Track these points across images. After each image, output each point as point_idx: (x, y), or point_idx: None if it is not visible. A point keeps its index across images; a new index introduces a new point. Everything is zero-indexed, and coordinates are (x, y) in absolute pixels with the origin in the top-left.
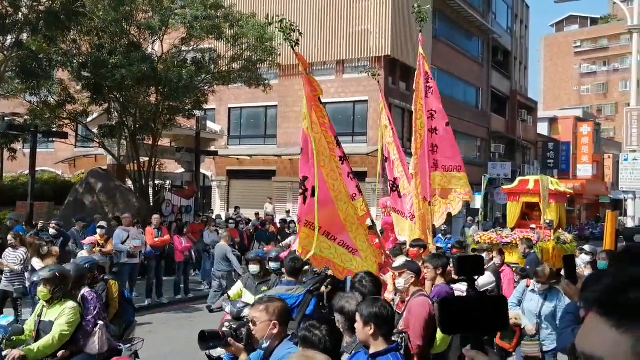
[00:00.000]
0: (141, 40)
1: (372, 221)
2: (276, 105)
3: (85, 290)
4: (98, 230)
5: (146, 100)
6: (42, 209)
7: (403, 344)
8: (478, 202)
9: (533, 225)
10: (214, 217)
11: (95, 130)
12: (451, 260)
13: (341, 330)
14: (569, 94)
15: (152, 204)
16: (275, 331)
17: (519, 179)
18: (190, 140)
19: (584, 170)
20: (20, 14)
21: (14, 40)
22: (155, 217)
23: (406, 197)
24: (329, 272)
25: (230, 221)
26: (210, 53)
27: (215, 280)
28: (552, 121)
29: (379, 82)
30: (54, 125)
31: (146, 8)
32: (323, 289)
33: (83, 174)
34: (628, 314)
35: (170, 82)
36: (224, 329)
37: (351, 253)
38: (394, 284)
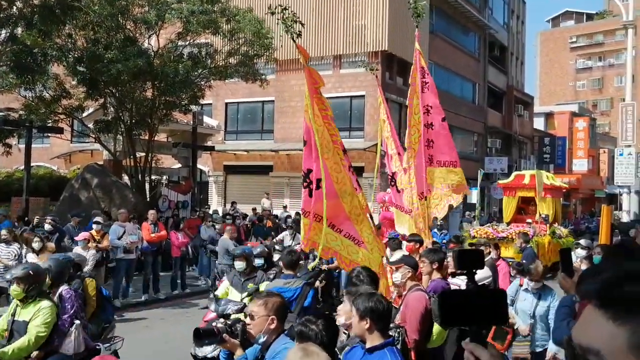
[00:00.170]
0: (137, 34)
1: (371, 216)
2: (273, 100)
3: (63, 288)
4: (94, 226)
5: (142, 95)
6: (37, 204)
7: (400, 339)
8: (475, 196)
9: (529, 220)
10: (210, 212)
11: (91, 125)
12: (449, 254)
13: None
14: (564, 89)
15: (148, 200)
16: (272, 326)
17: (514, 173)
18: (187, 136)
19: (580, 165)
20: (14, 7)
21: (8, 34)
22: (152, 213)
23: (404, 191)
24: (323, 267)
25: (228, 216)
26: (206, 48)
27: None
28: (548, 116)
29: (377, 76)
30: (49, 120)
31: (142, 2)
32: (317, 283)
33: (79, 169)
34: (625, 307)
35: (166, 77)
36: (219, 325)
37: (357, 245)
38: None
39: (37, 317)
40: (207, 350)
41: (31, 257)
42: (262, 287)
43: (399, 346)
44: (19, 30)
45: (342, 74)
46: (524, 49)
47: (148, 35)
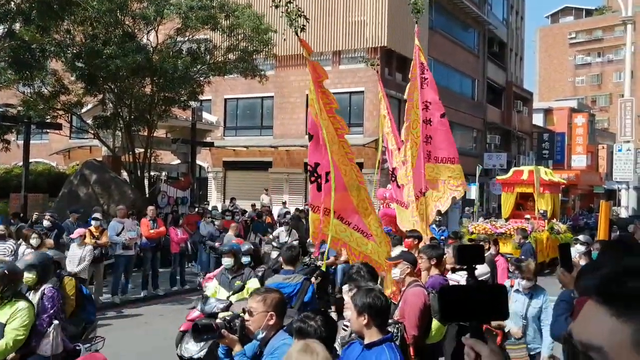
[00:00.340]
0: (136, 30)
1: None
2: (272, 96)
3: (46, 287)
4: (93, 222)
5: (141, 91)
6: (36, 200)
7: (399, 334)
8: (473, 192)
9: (527, 216)
10: (210, 208)
11: (89, 121)
12: (448, 249)
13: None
14: (563, 85)
15: (147, 196)
16: (271, 322)
17: (513, 169)
18: (186, 131)
19: (579, 160)
20: (12, 3)
21: (6, 30)
22: (150, 209)
23: (404, 187)
24: (319, 264)
25: (227, 213)
26: (205, 43)
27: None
28: (547, 112)
29: (377, 71)
30: (48, 116)
31: None
32: (313, 280)
33: (78, 165)
34: (628, 303)
35: (165, 73)
36: (218, 320)
37: (366, 237)
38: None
39: (15, 319)
40: (193, 350)
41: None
42: (249, 284)
43: (397, 342)
44: (17, 25)
45: (341, 69)
46: (523, 44)
47: (147, 31)
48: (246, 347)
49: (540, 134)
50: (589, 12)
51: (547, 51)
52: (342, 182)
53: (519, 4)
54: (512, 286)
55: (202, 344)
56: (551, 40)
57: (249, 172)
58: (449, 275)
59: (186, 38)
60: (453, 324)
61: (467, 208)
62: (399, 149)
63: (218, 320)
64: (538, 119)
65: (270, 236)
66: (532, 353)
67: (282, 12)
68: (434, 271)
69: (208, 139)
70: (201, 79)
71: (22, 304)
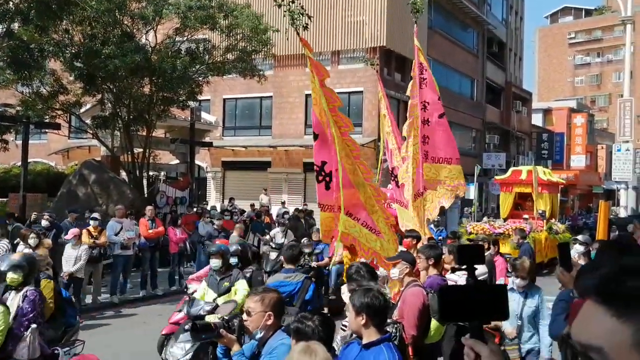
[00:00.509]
0: (134, 30)
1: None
2: (271, 96)
3: (28, 289)
4: (91, 222)
5: (140, 91)
6: (34, 200)
7: (397, 334)
8: (472, 192)
9: (526, 216)
10: (208, 208)
11: (88, 121)
12: (447, 250)
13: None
14: (563, 85)
15: (146, 196)
16: (269, 322)
17: (511, 169)
18: (185, 131)
19: (578, 160)
20: (10, 3)
21: (4, 29)
22: (149, 209)
23: (404, 186)
24: (313, 264)
25: (226, 212)
26: (204, 43)
27: None
28: (546, 112)
29: (377, 71)
30: (47, 116)
31: None
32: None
33: (76, 165)
34: (628, 303)
35: (164, 73)
36: (216, 320)
37: (375, 234)
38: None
39: None
40: (179, 354)
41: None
42: (237, 285)
43: (396, 342)
44: (16, 25)
45: (340, 69)
46: (522, 45)
47: (145, 31)
48: (244, 347)
49: (540, 134)
50: (588, 12)
51: (546, 51)
52: (349, 179)
53: (518, 4)
54: (506, 285)
55: (187, 347)
56: (550, 41)
57: (247, 172)
58: (448, 275)
59: (185, 38)
60: (451, 324)
61: (465, 208)
62: (399, 148)
63: (217, 320)
64: (537, 119)
65: (267, 237)
66: (527, 349)
67: (284, 11)
68: (433, 271)
69: (207, 139)
70: (200, 79)
71: None
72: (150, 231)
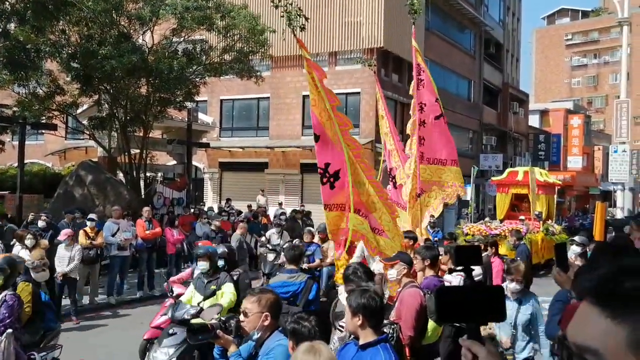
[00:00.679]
0: (131, 30)
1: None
2: (268, 97)
3: (7, 293)
4: (88, 223)
5: (137, 92)
6: (31, 201)
7: (394, 335)
8: (469, 194)
9: (522, 217)
10: (205, 209)
11: (85, 122)
12: (443, 250)
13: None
14: (559, 86)
15: (143, 197)
16: (266, 323)
17: (508, 170)
18: (182, 132)
19: (574, 162)
20: (6, 3)
21: (0, 30)
22: (146, 210)
23: (402, 187)
24: (304, 266)
25: (223, 213)
26: (201, 44)
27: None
28: (543, 113)
29: (375, 72)
30: (43, 117)
31: None
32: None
33: (73, 166)
34: (624, 304)
35: (161, 74)
36: (213, 321)
37: (378, 234)
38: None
39: None
40: (162, 359)
41: (23, 254)
42: (224, 288)
43: (392, 343)
44: (12, 26)
45: (337, 70)
46: (519, 46)
47: (142, 32)
48: (241, 348)
49: (536, 135)
50: (585, 14)
51: (543, 52)
52: (351, 178)
53: (515, 5)
54: (502, 286)
55: (171, 352)
56: (547, 42)
57: (245, 173)
58: (445, 276)
59: (182, 39)
60: (448, 325)
61: (462, 210)
62: (397, 149)
63: (213, 321)
64: (534, 121)
65: (263, 238)
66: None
67: (282, 12)
68: (429, 272)
69: (204, 140)
70: (197, 79)
71: None
72: (148, 232)
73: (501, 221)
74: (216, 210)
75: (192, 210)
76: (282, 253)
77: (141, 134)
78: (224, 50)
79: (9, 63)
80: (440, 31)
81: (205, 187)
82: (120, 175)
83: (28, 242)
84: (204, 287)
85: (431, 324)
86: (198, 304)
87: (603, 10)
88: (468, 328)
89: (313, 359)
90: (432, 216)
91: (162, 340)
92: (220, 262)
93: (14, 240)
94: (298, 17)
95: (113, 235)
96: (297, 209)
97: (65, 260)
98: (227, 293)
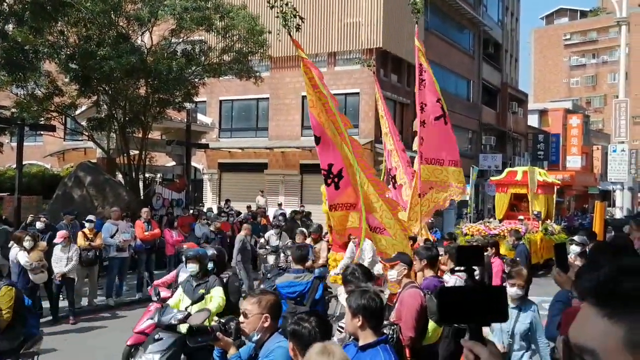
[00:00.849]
0: (130, 31)
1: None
2: (267, 98)
3: None
4: (87, 224)
5: (136, 93)
6: (30, 203)
7: (394, 336)
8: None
9: (521, 217)
10: (205, 210)
11: (84, 123)
12: (443, 251)
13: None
14: (558, 86)
15: (142, 198)
16: (266, 324)
17: (507, 170)
18: (181, 133)
19: (573, 161)
20: (4, 4)
21: None
22: (145, 211)
23: (401, 187)
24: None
25: (222, 214)
26: (200, 45)
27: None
28: (542, 113)
29: (374, 72)
30: (42, 118)
31: None
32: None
33: (72, 167)
34: (623, 303)
35: (160, 74)
36: (213, 324)
37: (379, 233)
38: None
39: None
40: None
41: (22, 255)
42: (213, 292)
43: (393, 343)
44: (10, 27)
45: (336, 71)
46: (518, 46)
47: (141, 32)
48: (241, 350)
49: (535, 135)
50: (583, 14)
51: (541, 52)
52: (349, 179)
53: (514, 5)
54: (505, 286)
55: (157, 358)
56: (546, 42)
57: (244, 174)
58: (444, 276)
59: (181, 39)
60: (449, 326)
61: (462, 209)
62: (397, 149)
63: (213, 324)
64: (533, 120)
65: (262, 240)
66: None
67: (277, 13)
68: (429, 273)
69: (203, 141)
70: (196, 80)
71: None
72: (146, 233)
73: (500, 221)
74: (215, 211)
75: (191, 211)
76: (282, 254)
77: (140, 135)
78: (223, 50)
79: (7, 64)
80: (439, 31)
81: (205, 188)
82: (119, 177)
83: (26, 243)
84: (193, 290)
85: (431, 324)
86: (186, 308)
87: (601, 10)
88: (470, 329)
89: (327, 359)
90: (432, 217)
91: (147, 346)
92: (210, 265)
93: (12, 242)
94: (293, 17)
95: (112, 237)
96: (297, 209)
97: (63, 261)
98: (215, 297)
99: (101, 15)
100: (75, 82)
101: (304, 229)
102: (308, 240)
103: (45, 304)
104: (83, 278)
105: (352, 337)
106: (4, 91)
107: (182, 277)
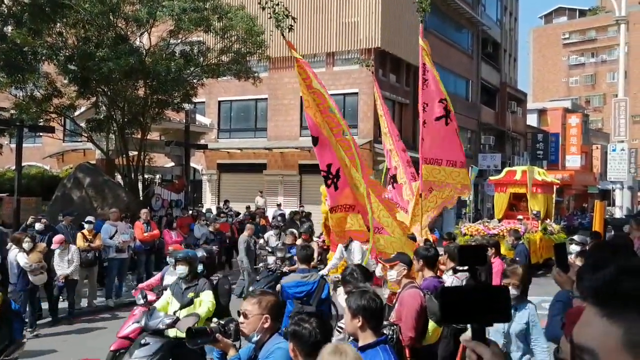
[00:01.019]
0: (128, 32)
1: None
2: (266, 98)
3: None
4: (86, 226)
5: (134, 94)
6: (29, 204)
7: (394, 336)
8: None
9: (520, 216)
10: (204, 210)
11: (83, 124)
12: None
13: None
14: (557, 85)
15: (141, 199)
16: (266, 325)
17: (506, 169)
18: (180, 134)
19: (573, 160)
20: (3, 5)
21: None
22: (144, 212)
23: (402, 187)
24: (285, 269)
25: (222, 215)
26: (198, 45)
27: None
28: (541, 112)
29: (372, 72)
30: (41, 120)
31: (133, 0)
32: (278, 287)
33: (71, 168)
34: (623, 303)
35: (158, 75)
36: (212, 325)
37: (377, 232)
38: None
39: None
40: None
41: (21, 257)
42: (202, 296)
43: (392, 344)
44: (9, 28)
45: (335, 71)
46: (517, 45)
47: (139, 33)
48: (241, 352)
49: (535, 134)
50: (582, 13)
51: (540, 52)
52: (346, 179)
53: (512, 4)
54: (507, 286)
55: None
56: (545, 41)
57: (243, 175)
58: (444, 276)
59: (179, 40)
60: (448, 326)
61: (461, 209)
62: (397, 149)
63: (212, 325)
64: (532, 120)
65: (261, 241)
66: None
67: (269, 14)
68: (429, 273)
69: (202, 142)
70: (194, 81)
71: None
72: (146, 234)
73: (499, 221)
74: (214, 212)
75: (190, 212)
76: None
77: (139, 136)
78: (221, 51)
79: (6, 66)
80: (437, 31)
81: (204, 188)
82: (119, 178)
83: (25, 245)
84: (182, 293)
85: (431, 324)
86: (174, 313)
87: (600, 8)
88: (472, 329)
89: (340, 359)
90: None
91: (133, 351)
92: (199, 267)
93: (10, 243)
94: (285, 17)
95: (111, 238)
96: (297, 210)
97: (64, 264)
98: (205, 302)
99: (100, 16)
100: (74, 84)
101: (294, 230)
102: (299, 242)
103: (44, 305)
104: (82, 279)
105: (351, 338)
106: (3, 93)
107: (168, 279)
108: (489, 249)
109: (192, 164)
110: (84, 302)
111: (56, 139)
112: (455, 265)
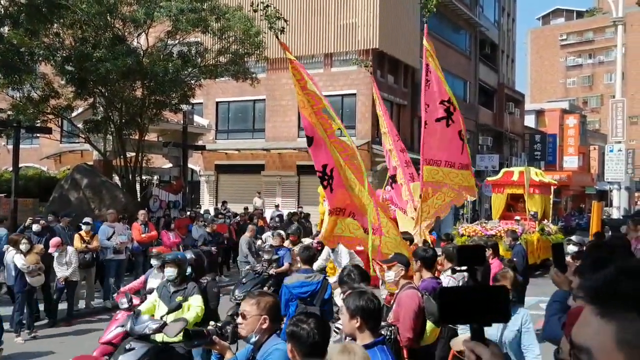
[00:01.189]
0: (126, 33)
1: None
2: (264, 99)
3: None
4: (83, 227)
5: (132, 95)
6: (26, 205)
7: (392, 337)
8: None
9: (517, 217)
10: (202, 212)
11: (80, 125)
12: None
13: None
14: (555, 86)
15: (139, 200)
16: (265, 326)
17: (503, 170)
18: (178, 135)
19: (570, 161)
20: (0, 6)
21: None
22: (142, 213)
23: (401, 187)
24: (272, 272)
25: (219, 216)
26: (196, 46)
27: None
28: (539, 113)
29: (371, 73)
30: (38, 121)
31: (130, 0)
32: (265, 289)
33: (68, 169)
34: (620, 303)
35: (156, 76)
36: (209, 327)
37: (373, 233)
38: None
39: None
40: None
41: (18, 259)
42: (191, 301)
43: (390, 345)
44: (6, 29)
45: (333, 72)
46: (514, 46)
47: (137, 34)
48: (238, 354)
49: (532, 135)
50: (579, 14)
51: (538, 53)
52: (341, 180)
53: (510, 5)
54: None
55: None
56: (542, 42)
57: (241, 176)
58: (441, 277)
59: (177, 41)
60: (446, 326)
61: (459, 210)
62: (396, 149)
63: (209, 327)
64: (530, 121)
65: (259, 242)
66: None
67: (261, 16)
68: (427, 274)
69: (200, 142)
70: (192, 82)
71: None
72: (143, 235)
73: (497, 221)
74: (212, 213)
75: (188, 213)
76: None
77: (137, 137)
78: (219, 52)
79: (3, 66)
80: (435, 32)
81: (202, 189)
82: (116, 179)
83: (23, 246)
84: (170, 297)
85: (429, 325)
86: (162, 317)
87: (597, 10)
88: (472, 329)
89: (348, 358)
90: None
91: (117, 357)
92: (188, 270)
93: (7, 245)
94: (277, 19)
95: (108, 239)
96: (295, 210)
97: (63, 266)
98: (194, 307)
99: (97, 17)
100: (71, 84)
101: (281, 231)
102: (286, 243)
103: (42, 307)
104: (80, 280)
105: (348, 339)
106: (0, 94)
107: (152, 282)
108: (486, 250)
109: (189, 165)
110: (81, 304)
111: (53, 140)
112: (454, 265)
